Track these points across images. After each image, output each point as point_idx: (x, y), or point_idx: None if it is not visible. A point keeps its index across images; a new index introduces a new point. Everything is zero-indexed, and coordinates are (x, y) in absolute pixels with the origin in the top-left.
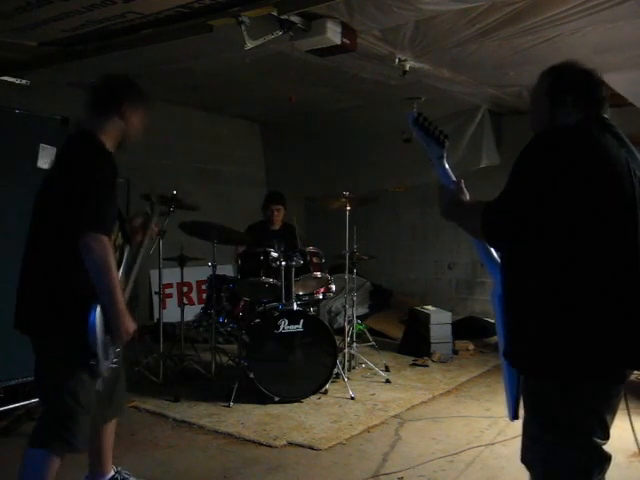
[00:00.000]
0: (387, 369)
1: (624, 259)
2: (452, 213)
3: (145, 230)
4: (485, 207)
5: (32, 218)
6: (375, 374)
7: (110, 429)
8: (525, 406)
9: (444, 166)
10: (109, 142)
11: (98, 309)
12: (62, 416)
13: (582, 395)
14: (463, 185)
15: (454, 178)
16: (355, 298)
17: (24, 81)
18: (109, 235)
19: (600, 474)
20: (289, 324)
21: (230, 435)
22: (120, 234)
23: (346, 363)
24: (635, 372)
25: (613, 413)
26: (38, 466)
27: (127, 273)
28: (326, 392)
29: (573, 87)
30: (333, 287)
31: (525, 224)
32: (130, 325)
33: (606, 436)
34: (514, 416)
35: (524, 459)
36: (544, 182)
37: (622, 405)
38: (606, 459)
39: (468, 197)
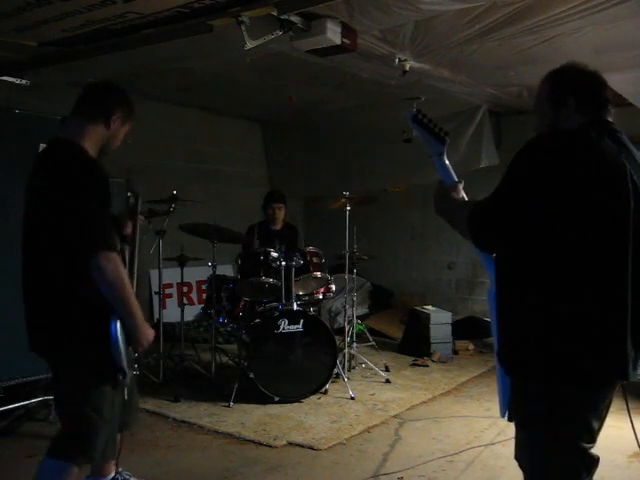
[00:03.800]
0: (387, 369)
1: (612, 264)
2: (441, 208)
3: (134, 220)
4: (473, 206)
5: (25, 233)
6: (375, 374)
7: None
8: (513, 408)
9: (444, 163)
10: (92, 149)
11: (118, 323)
12: (85, 431)
13: (566, 398)
14: (461, 186)
15: (455, 177)
16: (355, 298)
17: (24, 81)
18: (116, 249)
19: (588, 477)
20: (289, 324)
21: (230, 435)
22: (117, 237)
23: (346, 363)
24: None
25: (600, 417)
26: (58, 477)
27: (130, 272)
28: (326, 392)
29: (574, 90)
30: (333, 287)
31: (514, 226)
32: (150, 332)
33: (592, 440)
34: (507, 417)
35: (516, 457)
36: (536, 185)
37: (622, 405)
38: (593, 462)
39: (464, 197)
